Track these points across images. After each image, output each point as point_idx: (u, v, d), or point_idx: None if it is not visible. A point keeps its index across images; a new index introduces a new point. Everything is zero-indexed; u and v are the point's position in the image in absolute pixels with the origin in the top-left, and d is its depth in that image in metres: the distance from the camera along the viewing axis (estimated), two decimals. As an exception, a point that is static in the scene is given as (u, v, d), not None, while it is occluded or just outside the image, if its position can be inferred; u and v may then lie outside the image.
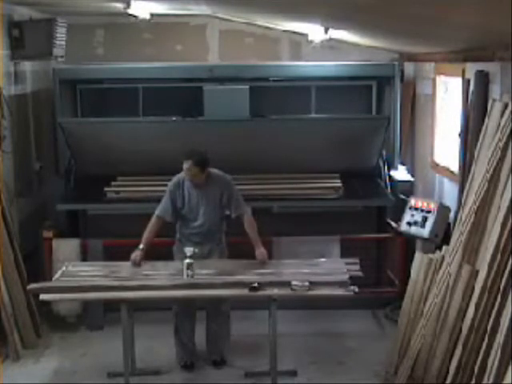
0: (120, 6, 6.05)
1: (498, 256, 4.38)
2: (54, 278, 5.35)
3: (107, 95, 7.61)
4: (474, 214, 4.81)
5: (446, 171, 6.37)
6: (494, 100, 4.96)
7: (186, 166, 5.44)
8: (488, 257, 4.49)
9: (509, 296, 4.12)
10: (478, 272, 4.62)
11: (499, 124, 4.76)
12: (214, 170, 5.61)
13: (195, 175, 5.47)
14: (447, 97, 6.57)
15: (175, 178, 5.65)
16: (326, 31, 6.13)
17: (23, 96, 6.89)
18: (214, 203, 5.60)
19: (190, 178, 5.52)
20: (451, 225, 5.68)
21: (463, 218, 4.94)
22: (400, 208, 6.42)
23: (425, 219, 5.99)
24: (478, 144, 5.08)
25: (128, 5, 5.87)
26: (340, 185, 6.89)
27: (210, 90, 7.22)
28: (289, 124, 7.16)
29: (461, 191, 5.40)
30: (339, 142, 6.86)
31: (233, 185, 5.67)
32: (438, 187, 6.69)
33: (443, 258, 5.13)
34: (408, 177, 7.20)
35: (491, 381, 4.04)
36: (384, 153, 7.13)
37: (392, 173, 7.15)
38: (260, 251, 5.49)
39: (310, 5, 4.54)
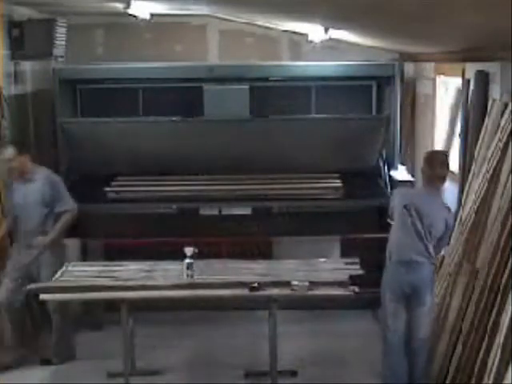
0: (120, 6, 6.05)
1: (498, 255, 4.38)
2: (53, 278, 5.35)
3: (107, 95, 7.60)
4: (473, 214, 4.81)
5: (446, 171, 6.37)
6: (494, 100, 4.96)
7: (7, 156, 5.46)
8: (488, 256, 4.49)
9: (509, 296, 4.12)
10: (478, 271, 4.63)
11: (499, 124, 4.77)
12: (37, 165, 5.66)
13: (20, 167, 5.52)
14: (447, 97, 6.57)
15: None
16: (326, 31, 6.13)
17: (23, 96, 6.89)
18: (39, 200, 5.60)
19: (14, 173, 5.54)
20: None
21: (463, 218, 4.94)
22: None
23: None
24: (478, 144, 5.09)
25: (128, 5, 5.87)
26: (340, 185, 6.90)
27: (209, 90, 7.21)
28: (289, 124, 7.15)
29: (461, 191, 5.40)
30: (339, 142, 6.86)
31: (57, 178, 5.72)
32: (438, 187, 6.68)
33: (443, 257, 5.13)
34: (408, 177, 7.20)
35: (491, 381, 4.04)
36: (384, 153, 7.13)
37: (392, 173, 7.14)
38: (42, 238, 5.51)
39: (310, 5, 4.54)
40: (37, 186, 5.60)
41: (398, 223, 4.73)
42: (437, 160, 4.70)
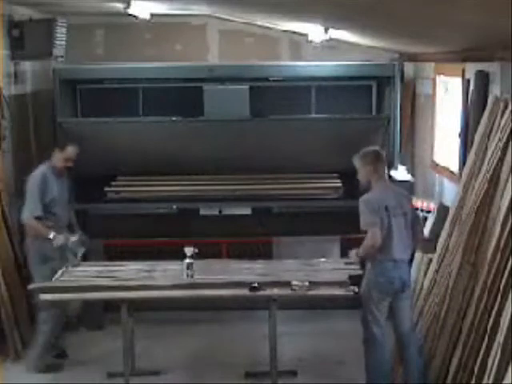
0: (120, 6, 6.05)
1: (498, 256, 4.38)
2: (54, 278, 5.35)
3: (107, 95, 7.60)
4: (473, 214, 4.81)
5: (446, 171, 6.37)
6: (495, 99, 4.96)
7: (71, 151, 5.67)
8: (488, 257, 4.49)
9: (509, 296, 4.12)
10: (478, 272, 4.62)
11: (499, 124, 4.76)
12: None
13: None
14: (447, 97, 6.57)
15: (39, 174, 5.65)
16: (326, 31, 6.13)
17: (23, 96, 6.89)
18: (67, 191, 5.80)
19: (69, 164, 5.72)
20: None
21: (463, 218, 4.94)
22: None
23: (425, 219, 5.99)
24: (476, 139, 5.09)
25: (128, 5, 5.87)
26: (340, 185, 6.90)
27: (209, 90, 7.21)
28: (289, 124, 7.15)
29: (461, 191, 5.39)
30: (339, 141, 6.85)
31: None
32: (438, 187, 6.69)
33: (443, 257, 5.13)
34: (408, 177, 7.20)
35: (491, 381, 4.04)
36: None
37: (392, 173, 7.13)
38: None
39: (310, 5, 4.54)
40: (66, 182, 5.84)
41: (384, 225, 4.76)
42: (370, 157, 4.95)
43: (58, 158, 5.72)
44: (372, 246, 4.75)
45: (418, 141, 7.48)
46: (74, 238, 5.58)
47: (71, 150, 5.72)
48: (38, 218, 5.56)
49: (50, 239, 5.48)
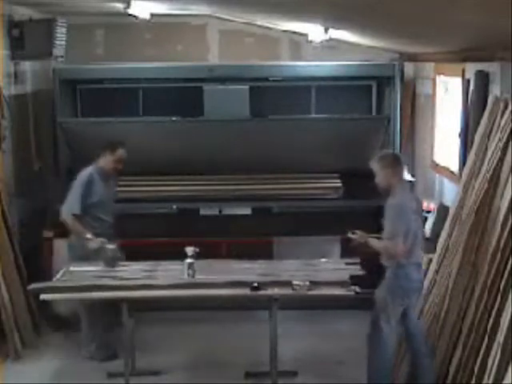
0: (120, 6, 6.05)
1: (498, 256, 4.38)
2: (55, 278, 5.35)
3: (107, 95, 7.60)
4: (473, 214, 4.81)
5: (446, 171, 6.38)
6: (495, 99, 4.96)
7: (122, 153, 5.61)
8: (488, 257, 4.49)
9: (509, 296, 4.12)
10: (478, 272, 4.63)
11: (499, 124, 4.77)
12: None
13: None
14: (447, 97, 6.57)
15: (86, 174, 5.63)
16: (326, 31, 6.13)
17: (23, 96, 6.89)
18: (113, 195, 5.83)
19: (120, 166, 5.66)
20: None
21: (463, 218, 4.95)
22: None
23: (425, 219, 5.99)
24: (476, 139, 5.09)
25: (128, 5, 5.87)
26: (340, 185, 6.90)
27: (210, 90, 7.21)
28: (289, 124, 7.15)
29: (461, 191, 5.39)
30: (339, 141, 6.86)
31: None
32: (438, 187, 6.69)
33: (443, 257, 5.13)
34: (408, 177, 7.19)
35: (491, 381, 4.04)
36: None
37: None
38: None
39: (310, 5, 4.54)
40: (113, 184, 5.84)
41: (412, 229, 4.72)
42: (388, 160, 4.88)
43: (108, 160, 5.66)
44: (392, 256, 4.72)
45: (418, 141, 7.48)
46: (111, 246, 5.42)
47: (122, 152, 5.64)
48: (75, 217, 5.54)
49: (86, 239, 5.47)
